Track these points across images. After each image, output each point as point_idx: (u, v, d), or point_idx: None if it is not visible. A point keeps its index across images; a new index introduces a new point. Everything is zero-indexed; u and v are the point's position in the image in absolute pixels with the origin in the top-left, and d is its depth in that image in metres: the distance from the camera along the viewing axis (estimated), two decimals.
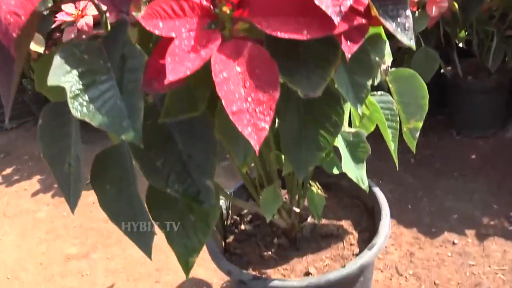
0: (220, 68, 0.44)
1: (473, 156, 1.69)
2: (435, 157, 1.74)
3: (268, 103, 0.45)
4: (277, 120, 0.63)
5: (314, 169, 0.99)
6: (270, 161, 0.73)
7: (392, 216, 1.49)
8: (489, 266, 1.22)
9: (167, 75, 0.41)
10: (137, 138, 0.48)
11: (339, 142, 0.63)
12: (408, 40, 0.52)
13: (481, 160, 1.65)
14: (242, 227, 0.95)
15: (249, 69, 0.45)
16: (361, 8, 0.48)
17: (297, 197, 0.84)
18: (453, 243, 1.30)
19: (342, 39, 0.48)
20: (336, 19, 0.43)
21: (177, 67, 0.42)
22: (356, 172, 0.63)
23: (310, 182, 0.78)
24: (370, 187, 0.90)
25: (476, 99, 1.65)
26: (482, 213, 1.40)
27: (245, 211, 1.00)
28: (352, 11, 0.46)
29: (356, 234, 0.87)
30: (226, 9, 0.48)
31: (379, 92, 0.82)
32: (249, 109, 0.44)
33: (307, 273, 0.77)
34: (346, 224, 0.90)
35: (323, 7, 0.43)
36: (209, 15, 0.49)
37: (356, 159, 0.64)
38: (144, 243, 0.62)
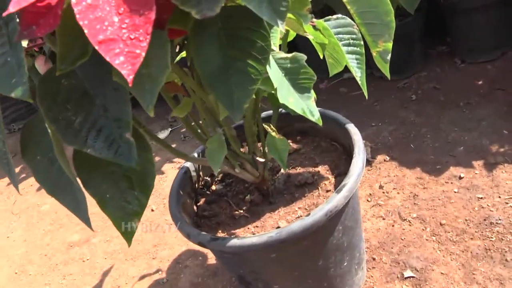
0: None
1: (480, 82, 1.56)
2: (439, 90, 1.62)
3: (144, 27, 0.38)
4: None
5: (287, 115, 0.93)
6: (212, 106, 0.66)
7: (393, 158, 1.42)
8: (499, 197, 1.12)
9: (9, 7, 0.35)
10: (25, 94, 0.43)
11: (273, 71, 0.56)
12: None
13: (489, 85, 1.52)
14: (214, 187, 0.90)
15: None
16: None
17: (260, 146, 0.78)
18: (460, 178, 1.21)
19: None
20: None
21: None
22: (300, 104, 0.56)
23: (265, 126, 0.71)
24: (343, 124, 0.83)
25: (476, 19, 1.50)
26: (491, 141, 1.29)
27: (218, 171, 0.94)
28: None
29: (332, 179, 0.80)
30: None
31: (334, 16, 0.73)
32: (123, 36, 0.38)
33: (278, 228, 0.72)
34: (322, 169, 0.83)
35: None
36: None
37: (300, 89, 0.57)
38: (81, 211, 0.58)
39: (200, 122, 0.75)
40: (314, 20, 0.70)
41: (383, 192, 1.26)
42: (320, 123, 0.57)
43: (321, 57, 0.79)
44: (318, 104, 1.90)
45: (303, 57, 0.57)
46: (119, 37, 0.38)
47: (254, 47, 0.52)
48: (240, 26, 0.52)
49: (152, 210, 1.55)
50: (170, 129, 2.11)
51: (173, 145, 2.06)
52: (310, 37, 0.68)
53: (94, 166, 0.58)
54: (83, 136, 0.52)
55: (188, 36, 0.52)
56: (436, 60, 1.78)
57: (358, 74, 0.70)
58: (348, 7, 0.70)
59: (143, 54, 0.37)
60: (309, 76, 0.57)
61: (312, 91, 0.59)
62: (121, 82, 0.47)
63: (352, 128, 0.80)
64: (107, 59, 0.36)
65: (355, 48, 0.72)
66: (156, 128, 2.13)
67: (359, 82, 0.69)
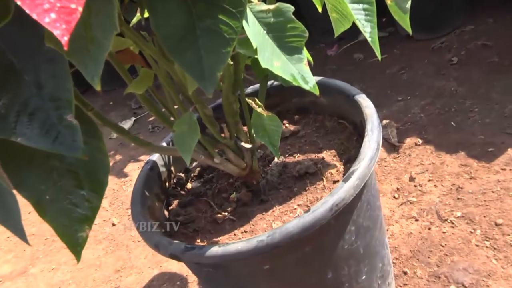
0: None
1: None
2: (490, 49, 1.64)
3: None
4: None
5: (281, 89, 0.95)
6: (178, 78, 0.69)
7: (428, 141, 1.44)
8: None
9: None
10: None
11: (252, 28, 0.58)
12: None
13: None
14: (189, 185, 0.92)
15: None
16: None
17: (246, 129, 0.81)
18: None
19: None
20: None
21: None
22: (289, 68, 0.58)
23: (248, 100, 0.73)
24: (352, 95, 0.86)
25: None
26: None
27: (194, 164, 0.97)
28: None
29: (341, 167, 0.83)
30: None
31: None
32: None
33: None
34: (328, 155, 0.86)
35: None
36: None
37: (287, 49, 0.59)
38: (11, 220, 0.61)
39: (168, 101, 0.78)
40: None
41: (415, 186, 1.30)
42: (316, 91, 0.60)
43: (319, 10, 0.82)
44: (324, 75, 1.93)
45: (289, 8, 0.59)
46: None
47: None
48: None
49: (114, 225, 1.58)
50: (133, 119, 2.15)
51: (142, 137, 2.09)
52: None
53: (28, 161, 0.60)
54: (10, 122, 0.54)
55: None
56: (486, 9, 1.79)
57: (367, 29, 0.73)
58: None
59: (80, 9, 0.40)
60: (299, 33, 0.60)
61: (305, 52, 0.62)
62: (57, 48, 0.49)
63: (363, 100, 0.83)
64: (34, 17, 0.39)
65: None
66: (116, 118, 2.17)
67: (369, 40, 0.72)
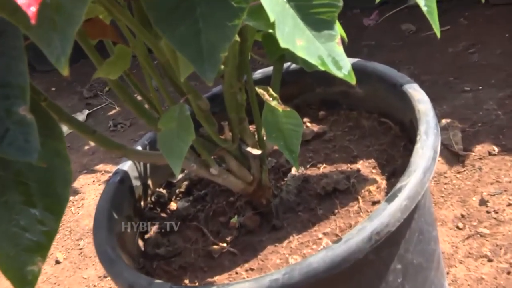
0: None
1: None
2: None
3: None
4: None
5: (300, 73, 1.00)
6: (165, 59, 0.74)
7: (507, 150, 1.48)
8: None
9: None
10: None
11: None
12: None
13: None
14: (173, 205, 0.97)
15: None
16: None
17: (253, 128, 0.86)
18: None
19: None
20: None
21: None
22: (316, 48, 0.63)
23: (259, 90, 0.78)
24: (399, 85, 0.91)
25: None
26: None
27: (179, 177, 1.02)
28: None
29: (382, 182, 0.88)
30: None
31: None
32: None
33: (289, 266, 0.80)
34: (365, 166, 0.91)
35: None
36: None
37: (314, 22, 0.64)
38: None
39: (148, 89, 0.83)
40: None
41: (488, 212, 1.33)
42: (353, 79, 0.64)
43: None
44: (359, 54, 1.96)
45: None
46: None
47: None
48: None
49: (58, 262, 1.63)
50: (87, 112, 2.20)
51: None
52: None
53: None
54: None
55: None
56: None
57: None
58: None
59: None
60: (330, 1, 0.65)
61: (337, 26, 0.66)
62: (11, 20, 0.54)
63: (414, 91, 0.88)
64: None
65: None
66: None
67: (424, 10, 0.77)
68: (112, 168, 1.86)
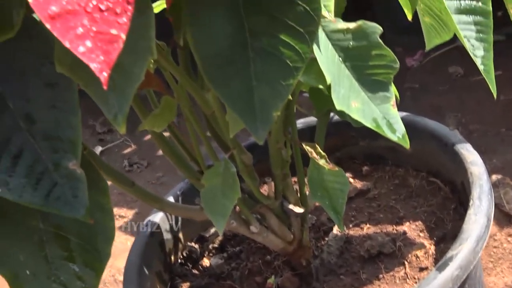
0: None
1: None
2: None
3: None
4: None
5: (344, 125, 1.04)
6: (212, 111, 0.79)
7: None
8: None
9: None
10: None
11: (324, 53, 0.69)
12: None
13: None
14: (206, 262, 1.01)
15: None
16: None
17: (295, 184, 0.91)
18: None
19: None
20: None
21: None
22: (371, 110, 0.68)
23: (307, 148, 0.83)
24: (450, 144, 0.96)
25: None
26: None
27: (212, 231, 1.07)
28: None
29: (431, 247, 0.93)
30: None
31: None
32: (87, 7, 0.51)
33: None
34: (412, 229, 0.96)
35: None
36: None
37: (369, 83, 0.69)
38: None
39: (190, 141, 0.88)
40: None
41: None
42: (407, 144, 0.70)
43: (409, 18, 0.93)
44: (402, 103, 1.98)
45: (375, 29, 0.70)
46: (81, 8, 0.51)
47: (292, 12, 0.65)
48: None
49: None
50: (100, 149, 2.25)
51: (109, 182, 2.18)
52: None
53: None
54: None
55: None
56: None
57: (479, 52, 0.83)
58: None
59: (123, 36, 0.50)
60: (387, 63, 0.70)
61: (393, 88, 0.72)
62: (71, 75, 0.60)
63: (466, 152, 0.93)
64: (67, 45, 0.49)
65: (474, 3, 0.85)
66: None
67: (481, 68, 0.82)
68: (126, 212, 1.90)
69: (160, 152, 0.85)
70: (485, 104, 1.84)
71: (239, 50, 0.65)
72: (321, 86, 0.79)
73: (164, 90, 0.81)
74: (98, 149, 2.25)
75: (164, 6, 0.87)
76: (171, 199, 1.04)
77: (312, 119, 1.06)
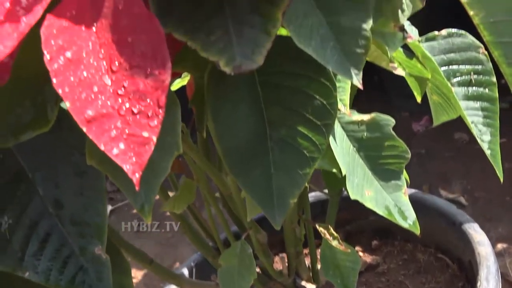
0: (60, 44, 0.54)
1: None
2: None
3: (153, 95, 0.54)
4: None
5: (353, 201, 1.07)
6: (229, 193, 0.82)
7: None
8: None
9: None
10: None
11: (339, 144, 0.72)
12: None
13: None
14: None
15: (116, 38, 0.55)
16: None
17: (307, 260, 0.93)
18: None
19: None
20: None
21: None
22: (384, 198, 0.72)
23: (321, 229, 0.86)
24: (458, 223, 0.98)
25: None
26: None
27: None
28: None
29: None
30: None
31: (444, 31, 0.90)
32: (120, 110, 0.54)
33: None
34: None
35: None
36: None
37: (382, 173, 0.73)
38: None
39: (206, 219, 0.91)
40: (409, 39, 0.87)
41: None
42: (417, 230, 0.73)
43: (418, 100, 0.97)
44: (409, 169, 2.01)
45: (388, 121, 0.73)
46: (115, 110, 0.54)
47: (310, 106, 0.68)
48: (287, 71, 0.69)
49: None
50: (110, 208, 2.28)
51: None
52: (400, 73, 0.85)
53: None
54: (15, 249, 0.67)
55: (205, 85, 0.69)
56: None
57: (486, 137, 0.87)
58: (471, 12, 0.87)
59: (155, 139, 0.53)
60: (399, 153, 0.74)
61: (404, 176, 0.75)
62: (100, 168, 0.63)
63: (474, 232, 0.96)
64: (102, 148, 0.52)
65: (481, 90, 0.88)
66: None
67: (487, 153, 0.85)
68: (135, 273, 1.91)
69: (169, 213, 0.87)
70: (490, 172, 1.85)
71: (259, 141, 0.69)
72: (334, 170, 0.82)
73: (184, 171, 0.84)
74: (108, 208, 2.28)
75: (183, 83, 0.92)
76: (185, 271, 1.06)
77: (320, 195, 1.09)
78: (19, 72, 0.60)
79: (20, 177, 0.69)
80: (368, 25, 0.64)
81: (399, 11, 0.73)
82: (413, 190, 1.04)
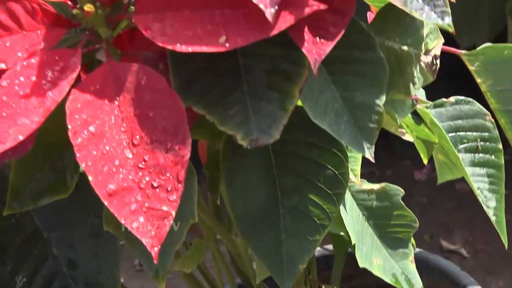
0: (84, 119, 0.56)
1: None
2: None
3: (173, 169, 0.56)
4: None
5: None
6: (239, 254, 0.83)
7: None
8: None
9: None
10: None
11: (349, 213, 0.73)
12: (438, 16, 0.63)
13: None
14: None
15: (138, 112, 0.57)
16: None
17: None
18: None
19: (305, 35, 0.60)
20: (270, 12, 0.54)
21: (4, 130, 0.54)
22: (391, 266, 0.73)
23: None
24: (463, 286, 0.99)
25: None
26: None
27: None
28: None
29: None
30: (90, 7, 0.60)
31: (452, 98, 0.92)
32: (141, 183, 0.56)
33: None
34: None
35: None
36: (64, 22, 0.61)
37: (390, 241, 0.74)
38: None
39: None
40: (418, 106, 0.89)
41: None
42: None
43: (425, 162, 0.98)
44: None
45: (397, 191, 0.75)
46: (136, 184, 0.56)
47: (322, 175, 0.70)
48: (300, 141, 0.71)
49: None
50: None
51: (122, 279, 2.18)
52: (409, 139, 0.87)
53: None
54: None
55: (220, 153, 0.70)
56: None
57: (491, 203, 0.88)
58: (478, 80, 0.89)
59: (173, 213, 0.55)
60: (407, 222, 0.75)
61: (411, 244, 0.77)
62: (116, 234, 0.65)
63: None
64: (122, 221, 0.54)
65: (487, 157, 0.90)
66: None
67: (493, 220, 0.87)
68: None
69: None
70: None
71: (271, 208, 0.71)
72: (342, 233, 0.84)
73: (195, 231, 0.86)
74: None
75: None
76: None
77: (328, 248, 1.10)
78: (40, 138, 0.62)
79: (35, 237, 0.71)
80: (381, 100, 0.66)
81: (411, 84, 0.74)
82: (418, 249, 1.05)
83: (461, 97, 0.90)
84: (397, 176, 2.16)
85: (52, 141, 0.65)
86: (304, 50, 0.59)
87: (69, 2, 0.62)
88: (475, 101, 0.90)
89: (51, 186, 0.66)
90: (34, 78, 0.58)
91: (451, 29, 0.64)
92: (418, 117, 0.92)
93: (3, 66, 0.59)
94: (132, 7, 0.63)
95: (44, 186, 0.66)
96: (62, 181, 0.66)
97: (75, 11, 0.62)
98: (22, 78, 0.58)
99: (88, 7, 0.61)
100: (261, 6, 0.53)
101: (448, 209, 2.00)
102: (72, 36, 0.64)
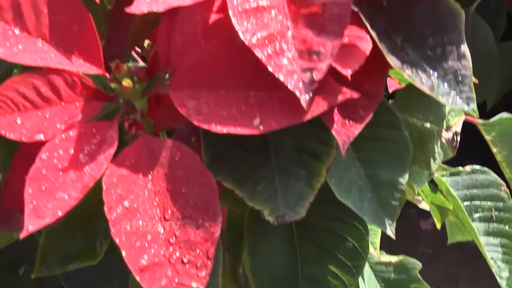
0: (119, 193, 0.58)
1: None
2: None
3: (203, 246, 0.57)
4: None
5: None
6: None
7: None
8: None
9: (25, 222, 0.55)
10: None
11: (367, 284, 0.75)
12: (463, 102, 0.64)
13: None
14: None
15: (170, 187, 0.58)
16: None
17: None
18: None
19: (335, 116, 0.61)
20: (304, 98, 0.55)
21: (43, 204, 0.55)
22: None
23: None
24: None
25: None
26: None
27: None
28: (335, 74, 0.58)
29: None
30: (128, 82, 0.62)
31: (468, 167, 0.93)
32: (171, 258, 0.57)
33: None
34: None
35: (282, 76, 0.55)
36: (102, 95, 0.63)
37: None
38: None
39: None
40: (435, 175, 0.91)
41: None
42: None
43: (438, 227, 1.00)
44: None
45: (415, 264, 0.77)
46: (166, 259, 0.57)
47: (342, 247, 0.72)
48: (322, 213, 0.73)
49: None
50: None
51: None
52: (425, 207, 0.89)
53: None
54: None
55: (245, 223, 0.72)
56: None
57: (505, 273, 0.90)
58: (494, 149, 0.91)
59: None
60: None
61: None
62: None
63: None
64: None
65: (501, 227, 0.91)
66: None
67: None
68: None
69: None
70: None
71: (291, 277, 0.72)
72: None
73: None
74: None
75: None
76: None
77: None
78: None
79: None
80: (404, 179, 0.67)
81: (431, 159, 0.76)
82: None
83: (477, 167, 0.91)
84: (405, 225, 2.17)
85: (83, 208, 0.66)
86: (333, 132, 0.59)
87: (108, 76, 0.63)
88: (490, 171, 0.91)
89: (80, 252, 0.67)
90: (72, 151, 0.59)
91: (476, 114, 0.66)
92: (434, 185, 0.93)
93: (42, 137, 0.60)
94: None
95: (73, 252, 0.68)
96: (91, 248, 0.67)
97: (113, 85, 0.63)
98: (60, 151, 0.59)
99: (127, 82, 0.63)
100: (297, 92, 0.54)
101: (454, 261, 2.01)
102: (108, 105, 0.66)
